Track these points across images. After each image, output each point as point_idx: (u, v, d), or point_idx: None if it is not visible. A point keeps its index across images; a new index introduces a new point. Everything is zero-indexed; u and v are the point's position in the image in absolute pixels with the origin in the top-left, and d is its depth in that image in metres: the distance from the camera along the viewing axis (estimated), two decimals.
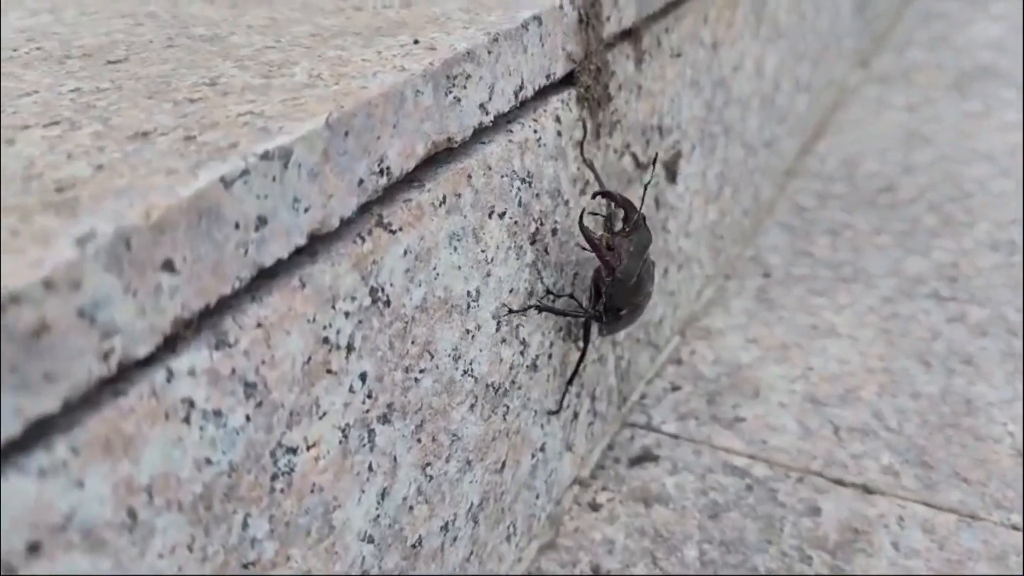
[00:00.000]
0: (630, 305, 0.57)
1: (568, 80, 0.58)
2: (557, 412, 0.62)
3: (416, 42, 0.50)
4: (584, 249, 0.56)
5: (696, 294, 0.84)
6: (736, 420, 0.71)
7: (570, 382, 0.62)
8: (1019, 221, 0.93)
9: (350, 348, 0.43)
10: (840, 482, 0.65)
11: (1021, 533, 0.60)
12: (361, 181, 0.42)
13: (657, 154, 0.62)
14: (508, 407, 0.56)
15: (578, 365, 0.61)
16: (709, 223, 0.85)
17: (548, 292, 0.57)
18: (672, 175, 0.75)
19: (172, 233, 0.33)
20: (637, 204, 0.55)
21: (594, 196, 0.59)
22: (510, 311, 0.54)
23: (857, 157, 1.09)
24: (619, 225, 0.55)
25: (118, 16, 0.64)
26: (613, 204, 0.57)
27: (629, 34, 0.66)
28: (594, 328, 0.61)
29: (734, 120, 0.87)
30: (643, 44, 0.67)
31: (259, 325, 0.38)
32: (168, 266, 0.33)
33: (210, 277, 0.35)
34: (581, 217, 0.53)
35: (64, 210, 0.32)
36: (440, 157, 0.48)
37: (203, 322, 0.36)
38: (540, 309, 0.57)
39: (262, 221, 0.37)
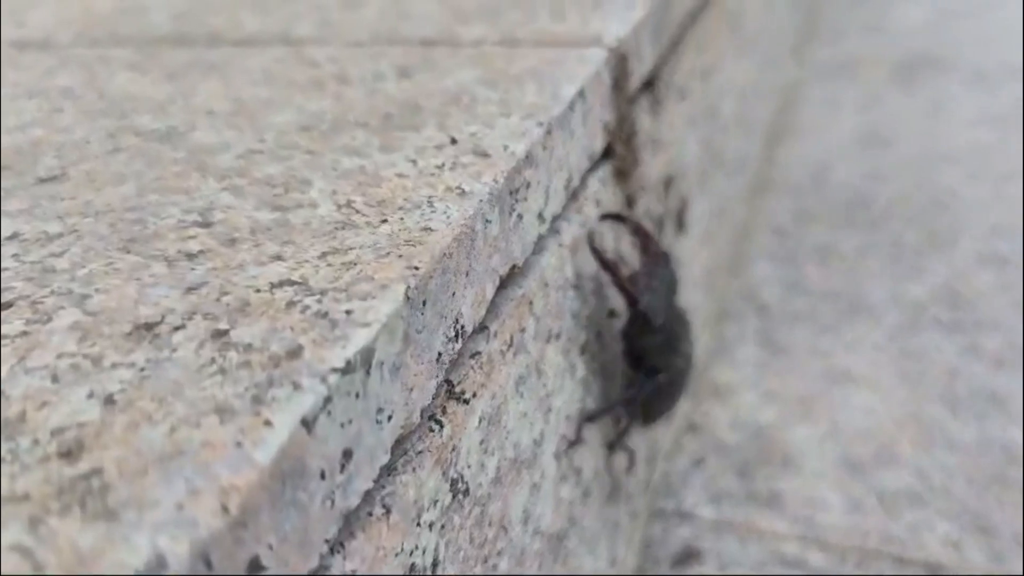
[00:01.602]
0: (666, 365, 0.48)
1: (606, 154, 0.49)
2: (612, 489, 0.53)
3: (454, 141, 0.40)
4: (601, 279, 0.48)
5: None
6: (774, 496, 0.65)
7: (612, 448, 0.53)
8: (999, 230, 0.90)
9: (435, 564, 0.33)
10: (901, 560, 0.60)
11: None
12: (439, 356, 0.32)
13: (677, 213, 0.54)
14: (568, 549, 0.48)
15: (624, 431, 0.52)
16: (705, 265, 0.78)
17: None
18: (681, 224, 0.67)
19: (255, 520, 0.23)
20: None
21: (602, 218, 0.48)
22: (569, 444, 0.46)
23: (821, 165, 1.05)
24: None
25: (24, 95, 0.51)
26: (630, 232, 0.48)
27: (648, 84, 0.57)
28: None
29: (721, 148, 0.80)
30: (658, 92, 0.59)
31: None
32: (255, 566, 0.23)
33: (297, 555, 0.25)
34: (591, 237, 0.44)
35: (96, 516, 0.22)
36: (502, 283, 0.39)
37: None
38: (591, 419, 0.48)
39: (347, 456, 0.27)
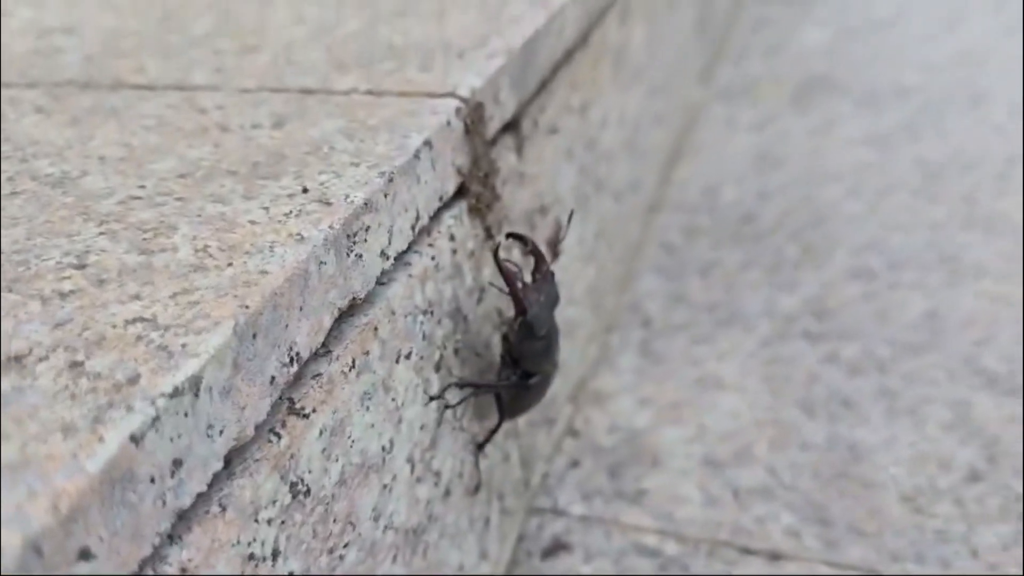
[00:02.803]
0: (539, 370, 0.55)
1: (459, 192, 0.56)
2: (477, 488, 0.60)
3: (305, 190, 0.46)
4: (493, 286, 0.56)
5: (581, 355, 0.84)
6: (640, 493, 0.71)
7: (480, 447, 0.60)
8: (872, 245, 0.98)
9: (275, 554, 0.39)
10: (748, 550, 0.67)
11: None
12: (273, 379, 0.38)
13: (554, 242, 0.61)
14: (427, 543, 0.54)
15: (493, 432, 0.59)
16: (589, 283, 0.84)
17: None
18: (555, 252, 0.73)
19: (85, 518, 0.29)
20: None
21: (508, 237, 0.56)
22: (431, 398, 0.52)
23: (715, 184, 1.12)
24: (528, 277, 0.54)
25: None
26: (524, 248, 0.55)
27: (510, 126, 0.64)
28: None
29: (604, 175, 0.87)
30: (522, 131, 0.65)
31: (183, 571, 0.34)
32: (85, 555, 0.29)
33: (129, 546, 0.31)
34: (496, 251, 0.51)
35: None
36: (343, 315, 0.45)
37: None
38: (460, 385, 0.55)
39: (177, 464, 0.33)
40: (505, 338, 0.56)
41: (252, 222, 0.43)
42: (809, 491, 0.71)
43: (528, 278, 0.53)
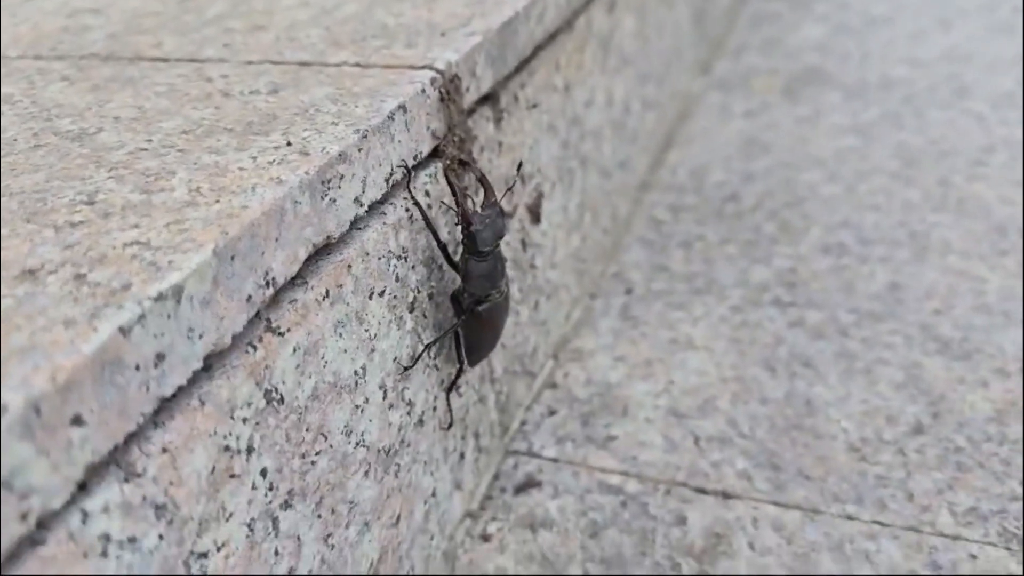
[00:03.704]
0: (484, 293, 0.60)
1: (434, 154, 0.62)
2: (450, 425, 0.66)
3: (289, 144, 0.52)
4: (444, 204, 0.62)
5: (565, 317, 0.90)
6: (609, 439, 0.78)
7: (449, 391, 0.66)
8: (846, 224, 1.03)
9: (250, 450, 0.46)
10: (702, 490, 0.72)
11: (856, 522, 0.68)
12: (250, 297, 0.45)
13: (516, 203, 0.67)
14: (399, 465, 0.60)
15: (457, 375, 0.65)
16: (573, 250, 0.90)
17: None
18: (536, 217, 0.80)
19: (79, 390, 0.36)
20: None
21: (458, 164, 0.63)
22: (405, 368, 0.59)
23: (704, 167, 1.18)
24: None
25: None
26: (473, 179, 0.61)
27: (488, 98, 0.70)
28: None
29: (589, 151, 0.93)
30: (501, 104, 0.72)
31: (165, 450, 0.41)
32: (77, 420, 0.36)
33: (116, 420, 0.38)
34: (446, 168, 0.57)
35: None
36: (320, 252, 0.52)
37: (112, 457, 0.39)
38: (428, 347, 0.61)
39: (160, 358, 0.40)
40: (455, 265, 0.61)
41: (240, 168, 0.50)
42: (764, 440, 0.76)
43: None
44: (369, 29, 0.71)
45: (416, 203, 0.58)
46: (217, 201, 0.47)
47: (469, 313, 0.61)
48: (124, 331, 0.38)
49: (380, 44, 0.68)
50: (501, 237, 0.60)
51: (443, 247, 0.60)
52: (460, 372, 0.65)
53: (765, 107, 1.32)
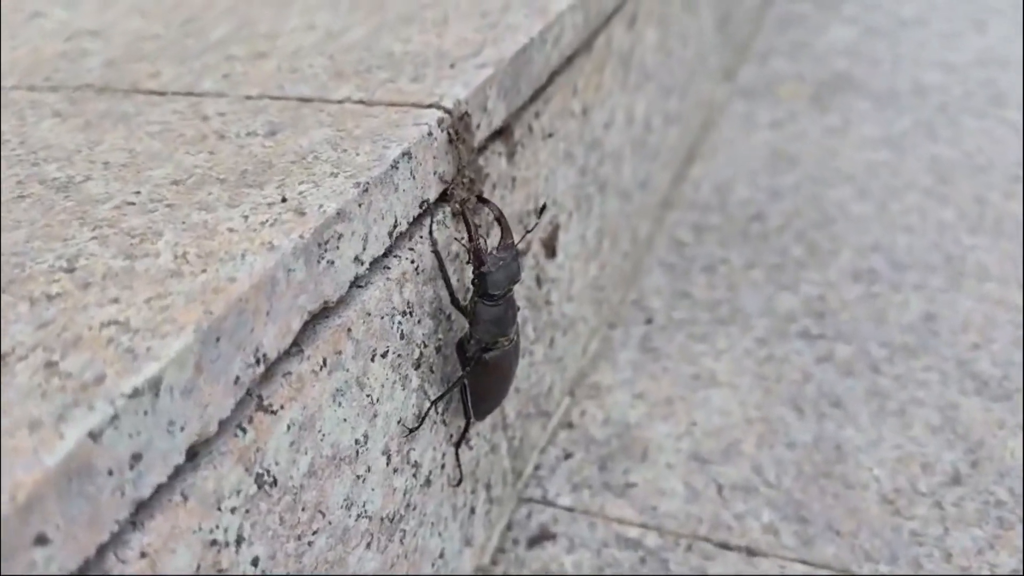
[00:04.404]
0: (492, 340, 0.57)
1: (442, 198, 0.58)
2: (459, 482, 0.63)
3: (284, 200, 0.49)
4: (457, 241, 0.59)
5: (583, 350, 0.86)
6: (627, 486, 0.74)
7: (457, 446, 0.62)
8: (878, 247, 0.98)
9: (239, 540, 0.43)
10: (726, 546, 0.69)
11: None
12: (238, 378, 0.42)
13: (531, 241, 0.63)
14: (405, 531, 0.57)
15: (465, 431, 0.61)
16: (591, 279, 0.87)
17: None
18: (552, 251, 0.76)
19: (41, 507, 0.32)
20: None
21: (477, 200, 0.60)
22: (410, 430, 0.55)
23: (729, 182, 1.13)
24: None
25: None
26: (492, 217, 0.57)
27: (501, 132, 0.66)
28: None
29: (609, 174, 0.89)
30: (515, 137, 0.68)
31: (143, 554, 0.37)
32: (41, 540, 0.33)
33: (86, 533, 0.34)
34: (462, 206, 0.54)
35: None
36: (318, 316, 0.48)
37: (83, 572, 0.35)
38: (435, 402, 0.57)
39: (136, 458, 0.36)
40: (463, 310, 0.58)
41: (231, 230, 0.47)
42: (791, 489, 0.72)
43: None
44: (375, 58, 0.67)
45: (436, 251, 0.55)
46: (203, 271, 0.43)
47: (475, 361, 0.57)
48: (95, 435, 0.34)
49: (385, 76, 0.64)
50: (515, 282, 0.56)
51: (451, 291, 0.56)
52: (468, 426, 0.61)
53: (792, 116, 1.27)
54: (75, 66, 0.73)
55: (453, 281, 0.59)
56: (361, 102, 0.61)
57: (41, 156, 0.57)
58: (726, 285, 0.95)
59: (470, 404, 0.60)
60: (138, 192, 0.52)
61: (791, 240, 1.01)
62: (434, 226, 0.56)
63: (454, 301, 0.57)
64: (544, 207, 0.67)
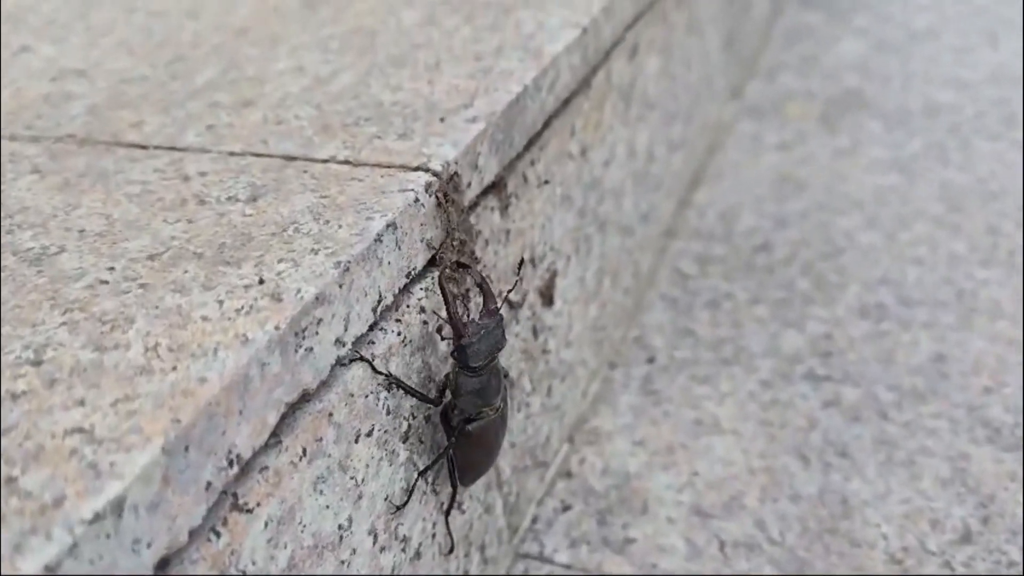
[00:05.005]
0: (475, 410, 0.55)
1: (431, 262, 0.56)
2: (451, 550, 0.61)
3: (261, 281, 0.47)
4: (436, 314, 0.56)
5: (582, 395, 0.84)
6: (627, 542, 0.72)
7: (447, 514, 0.61)
8: (886, 280, 0.96)
9: None
10: None
11: None
12: (209, 484, 0.40)
13: (525, 293, 0.61)
14: None
15: (452, 499, 0.60)
16: (591, 321, 0.84)
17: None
18: (549, 299, 0.74)
19: None
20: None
21: (456, 267, 0.57)
22: (397, 508, 0.54)
23: (734, 209, 1.11)
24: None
25: None
26: (473, 283, 0.55)
27: (493, 186, 0.64)
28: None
29: (609, 212, 0.87)
30: (508, 190, 0.66)
31: None
32: None
33: None
34: (440, 275, 0.52)
35: None
36: (297, 402, 0.46)
37: None
38: (422, 473, 0.56)
39: None
40: (447, 376, 0.56)
41: (204, 318, 0.45)
42: (795, 547, 0.70)
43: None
44: (363, 108, 0.65)
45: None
46: (174, 368, 0.41)
47: (459, 433, 0.56)
48: (51, 567, 0.33)
49: (373, 132, 0.62)
50: (499, 350, 0.54)
51: (419, 395, 0.54)
52: (455, 495, 0.59)
53: (800, 137, 1.24)
54: (58, 112, 0.71)
55: (440, 348, 0.57)
56: (347, 162, 0.59)
57: (16, 221, 0.56)
58: (730, 322, 0.93)
59: (456, 474, 0.58)
60: (112, 268, 0.50)
61: (797, 272, 0.98)
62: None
63: (421, 397, 0.55)
64: (522, 262, 0.64)
